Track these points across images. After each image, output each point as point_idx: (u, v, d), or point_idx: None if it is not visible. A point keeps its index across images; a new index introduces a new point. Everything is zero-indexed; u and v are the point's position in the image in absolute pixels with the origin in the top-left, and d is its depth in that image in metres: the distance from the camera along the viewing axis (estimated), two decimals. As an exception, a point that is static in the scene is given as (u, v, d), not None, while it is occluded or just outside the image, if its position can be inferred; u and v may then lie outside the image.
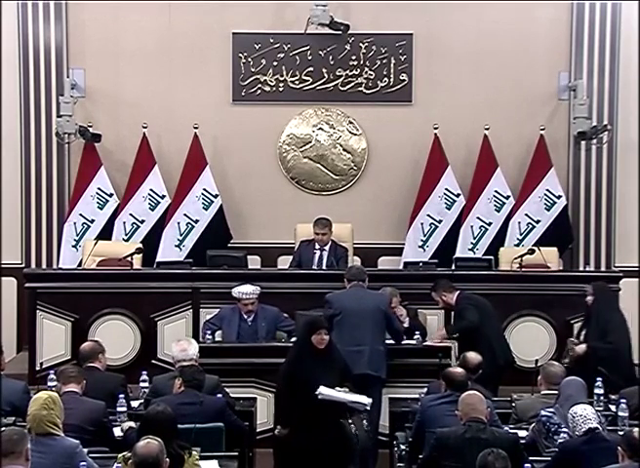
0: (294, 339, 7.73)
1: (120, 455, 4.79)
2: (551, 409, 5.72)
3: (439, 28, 10.01)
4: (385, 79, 10.06)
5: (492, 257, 9.09)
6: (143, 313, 8.41)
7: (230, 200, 9.94)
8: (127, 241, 9.59)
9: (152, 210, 9.74)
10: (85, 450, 5.04)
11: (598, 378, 6.65)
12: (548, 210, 9.78)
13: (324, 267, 8.91)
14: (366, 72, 10.04)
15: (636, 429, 4.77)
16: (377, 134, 10.11)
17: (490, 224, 9.77)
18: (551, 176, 9.79)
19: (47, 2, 9.85)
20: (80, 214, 9.72)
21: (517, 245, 9.62)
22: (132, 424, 5.75)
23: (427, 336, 7.79)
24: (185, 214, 9.69)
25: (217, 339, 7.83)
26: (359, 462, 6.44)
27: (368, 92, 10.07)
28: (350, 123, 10.11)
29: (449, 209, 9.80)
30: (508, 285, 8.47)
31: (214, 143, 9.99)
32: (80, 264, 9.29)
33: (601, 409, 6.27)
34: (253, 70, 10.01)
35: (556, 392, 5.94)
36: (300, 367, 6.23)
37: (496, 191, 9.78)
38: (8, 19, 9.72)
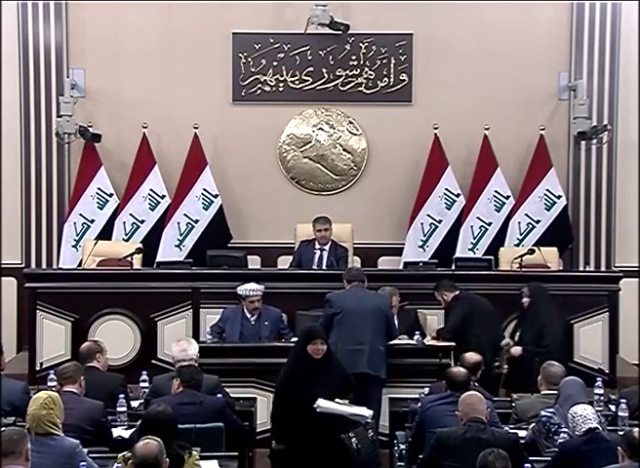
0: (295, 340, 7.75)
1: (120, 455, 4.78)
2: (551, 410, 5.72)
3: (439, 28, 10.01)
4: (385, 79, 10.06)
5: (492, 257, 9.09)
6: (143, 313, 8.41)
7: (230, 200, 9.94)
8: (127, 241, 9.59)
9: (152, 210, 9.74)
10: (85, 450, 5.05)
11: (598, 379, 6.66)
12: (548, 210, 9.78)
13: (324, 267, 8.91)
14: (366, 72, 10.04)
15: (636, 429, 4.77)
16: (377, 134, 10.11)
17: (490, 224, 9.77)
18: (551, 176, 9.80)
19: (47, 2, 9.85)
20: (80, 214, 9.72)
21: (517, 245, 9.62)
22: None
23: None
24: (185, 214, 9.69)
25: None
26: None
27: (368, 92, 10.07)
28: (350, 123, 10.11)
29: (449, 209, 9.80)
30: (508, 285, 8.46)
31: (214, 143, 9.99)
32: (80, 264, 9.29)
33: (601, 409, 6.27)
34: (253, 70, 10.01)
35: (556, 392, 5.93)
36: (296, 378, 5.99)
37: (496, 191, 9.78)
38: (8, 19, 9.73)
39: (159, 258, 9.35)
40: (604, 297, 8.54)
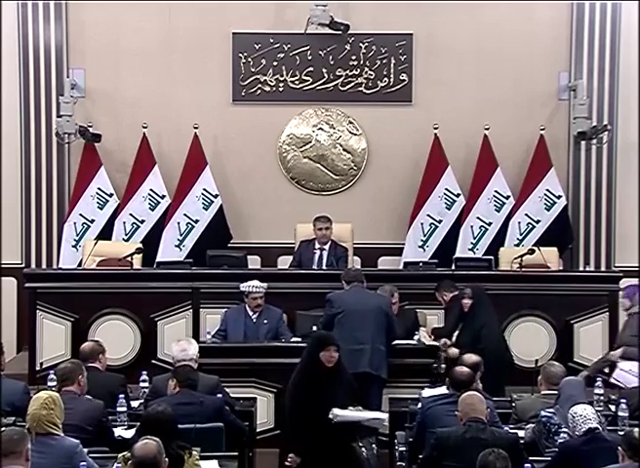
0: (295, 340, 7.75)
1: (120, 455, 4.78)
2: (551, 410, 5.71)
3: (439, 28, 10.01)
4: (385, 79, 10.06)
5: (492, 257, 9.09)
6: (143, 313, 8.41)
7: (230, 200, 9.94)
8: (127, 241, 9.59)
9: (152, 210, 9.74)
10: (85, 450, 5.05)
11: (598, 379, 6.66)
12: (548, 210, 9.78)
13: (324, 267, 8.92)
14: (366, 72, 10.04)
15: (636, 429, 4.77)
16: (377, 134, 10.11)
17: (490, 224, 9.77)
18: (551, 176, 9.79)
19: (47, 2, 9.85)
20: (80, 215, 9.72)
21: (517, 245, 9.62)
22: None
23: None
24: (185, 214, 9.69)
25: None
26: None
27: (368, 92, 10.07)
28: (350, 123, 10.11)
29: (449, 209, 9.80)
30: (508, 285, 8.47)
31: (214, 143, 9.99)
32: (80, 264, 9.29)
33: (601, 409, 6.27)
34: (253, 70, 10.01)
35: (556, 392, 5.93)
36: (307, 388, 5.78)
37: (496, 191, 9.78)
38: (8, 19, 9.73)
39: (159, 258, 9.35)
40: (604, 297, 8.54)
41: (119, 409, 6.01)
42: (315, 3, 9.44)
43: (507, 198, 9.80)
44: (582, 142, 9.86)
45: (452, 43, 9.99)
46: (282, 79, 10.03)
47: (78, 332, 8.26)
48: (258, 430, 7.00)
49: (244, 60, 10.00)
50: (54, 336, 8.31)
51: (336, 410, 5.65)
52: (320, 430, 5.64)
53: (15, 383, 6.15)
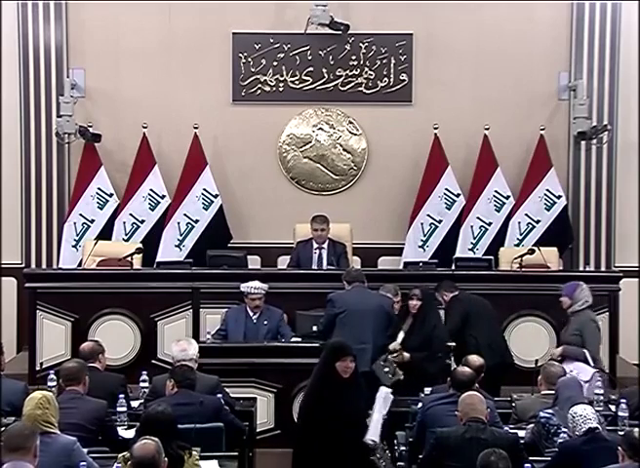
0: (295, 340, 7.75)
1: (120, 455, 4.78)
2: (550, 411, 5.71)
3: (439, 28, 10.01)
4: (385, 79, 10.06)
5: (492, 257, 9.09)
6: (143, 313, 8.40)
7: (230, 200, 9.95)
8: (127, 241, 9.59)
9: (152, 210, 9.75)
10: (85, 450, 5.05)
11: (598, 379, 6.66)
12: (548, 210, 9.78)
13: (324, 267, 8.92)
14: (366, 72, 10.04)
15: (636, 429, 4.77)
16: (377, 134, 10.11)
17: (490, 224, 9.77)
18: (551, 176, 9.80)
19: (47, 2, 9.85)
20: (80, 215, 9.73)
21: (517, 245, 9.62)
22: None
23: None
24: (185, 214, 9.70)
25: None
26: None
27: (368, 92, 10.07)
28: (350, 123, 10.12)
29: (449, 209, 9.81)
30: (508, 285, 8.47)
31: (214, 143, 10.00)
32: (80, 264, 9.29)
33: (601, 409, 6.27)
34: (253, 70, 10.01)
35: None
36: (324, 401, 5.66)
37: (496, 191, 9.78)
38: (8, 19, 9.73)
39: (159, 258, 9.35)
40: (604, 297, 8.53)
41: (119, 409, 6.01)
42: (315, 3, 9.44)
43: (507, 198, 9.80)
44: (582, 142, 9.86)
45: (452, 43, 9.99)
46: (282, 79, 10.04)
47: (78, 332, 8.26)
48: (258, 430, 7.00)
49: (244, 60, 10.01)
50: (54, 336, 8.31)
51: (369, 436, 5.59)
52: (336, 443, 5.51)
53: (15, 383, 6.15)
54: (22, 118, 9.91)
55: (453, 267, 8.81)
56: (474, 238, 9.76)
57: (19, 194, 9.90)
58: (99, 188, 9.77)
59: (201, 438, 5.38)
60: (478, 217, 9.77)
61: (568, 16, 10.03)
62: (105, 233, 9.63)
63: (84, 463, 4.78)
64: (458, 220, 9.77)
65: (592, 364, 7.03)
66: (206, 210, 9.73)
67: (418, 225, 9.78)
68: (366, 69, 10.04)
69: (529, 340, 8.36)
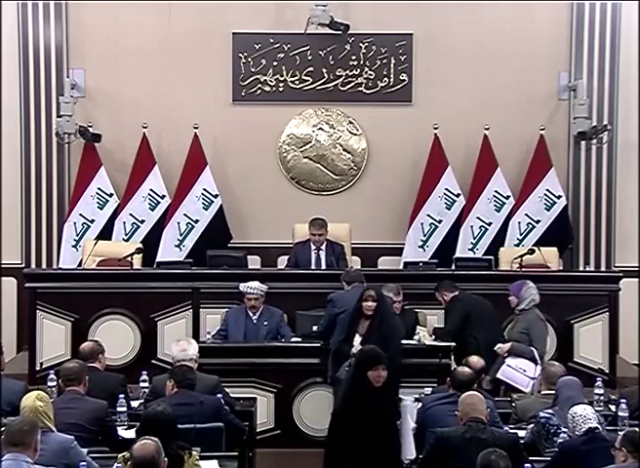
0: (295, 340, 7.74)
1: (120, 455, 4.78)
2: (550, 411, 5.71)
3: (439, 28, 10.02)
4: (385, 79, 10.06)
5: (492, 257, 9.09)
6: (143, 313, 8.40)
7: (230, 200, 9.95)
8: (127, 241, 9.59)
9: (152, 210, 9.75)
10: (85, 450, 5.06)
11: (598, 379, 6.66)
12: (548, 210, 9.78)
13: (323, 267, 8.92)
14: (366, 72, 10.04)
15: (637, 429, 4.76)
16: (377, 134, 10.11)
17: (490, 224, 9.77)
18: (551, 176, 9.80)
19: (47, 2, 9.85)
20: (80, 215, 9.73)
21: (517, 245, 9.62)
22: None
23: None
24: (185, 214, 9.70)
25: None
26: None
27: (368, 92, 10.07)
28: (350, 123, 10.12)
29: (449, 209, 9.81)
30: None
31: (214, 143, 10.00)
32: (80, 264, 9.29)
33: (601, 409, 6.27)
34: (253, 70, 10.01)
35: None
36: (356, 409, 5.52)
37: (496, 191, 9.78)
38: (8, 19, 9.73)
39: (159, 258, 9.35)
40: (604, 297, 8.54)
41: (119, 409, 6.01)
42: (315, 3, 9.44)
43: (507, 198, 9.80)
44: (582, 142, 9.86)
45: (452, 43, 9.99)
46: (282, 79, 10.04)
47: (78, 332, 8.26)
48: (258, 430, 7.00)
49: (244, 60, 10.01)
50: (54, 336, 8.31)
51: (407, 455, 5.53)
52: (368, 453, 5.43)
53: (15, 383, 6.14)
54: (22, 118, 9.91)
55: (453, 267, 8.81)
56: (474, 238, 9.76)
57: (19, 194, 9.90)
58: (99, 188, 9.77)
59: (201, 438, 5.38)
60: (478, 217, 9.77)
61: (568, 16, 10.03)
62: (105, 233, 9.63)
63: (84, 463, 4.78)
64: (458, 220, 9.77)
65: (539, 362, 7.01)
66: (206, 210, 9.73)
67: (418, 225, 9.78)
68: (366, 69, 10.04)
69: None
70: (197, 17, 9.93)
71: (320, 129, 10.13)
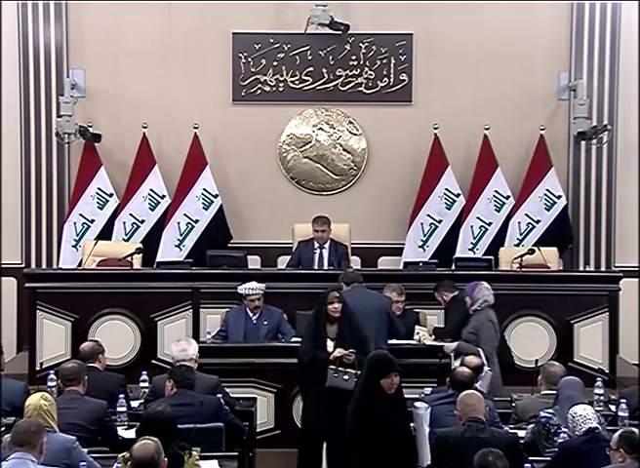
0: (295, 340, 7.73)
1: (120, 455, 4.78)
2: (550, 410, 5.71)
3: (439, 28, 10.01)
4: (385, 79, 10.06)
5: (492, 257, 9.09)
6: (143, 313, 8.40)
7: (230, 200, 9.95)
8: (127, 241, 9.59)
9: (152, 210, 9.75)
10: (85, 450, 5.06)
11: (598, 379, 6.66)
12: (548, 210, 9.78)
13: (325, 266, 8.92)
14: (366, 72, 10.04)
15: (635, 429, 4.76)
16: (377, 134, 10.11)
17: (490, 224, 9.77)
18: (551, 176, 9.80)
19: (47, 2, 9.85)
20: (80, 215, 9.73)
21: (517, 245, 9.62)
22: None
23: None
24: (185, 214, 9.70)
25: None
26: None
27: (368, 92, 10.07)
28: (350, 123, 10.12)
29: (449, 209, 9.81)
30: (508, 285, 8.45)
31: (214, 143, 9.99)
32: (80, 264, 9.29)
33: (601, 409, 6.27)
34: (253, 70, 10.01)
35: (556, 392, 5.93)
36: (370, 417, 5.43)
37: (496, 191, 9.78)
38: (8, 19, 9.73)
39: (159, 258, 9.35)
40: (604, 297, 8.54)
41: (119, 409, 6.02)
42: (315, 3, 9.44)
43: (507, 198, 9.80)
44: (582, 142, 9.86)
45: (452, 43, 9.99)
46: (282, 79, 10.04)
47: (78, 332, 8.26)
48: (258, 430, 7.01)
49: (244, 60, 10.01)
50: (54, 336, 8.31)
51: (424, 463, 5.47)
52: (384, 460, 5.39)
53: (15, 383, 6.16)
54: (22, 118, 9.91)
55: (453, 267, 8.80)
56: (474, 238, 9.76)
57: (19, 194, 9.90)
58: (99, 188, 9.77)
59: (201, 438, 5.38)
60: (478, 217, 9.77)
61: (568, 16, 10.03)
62: (105, 233, 9.63)
63: (84, 463, 4.78)
64: (458, 220, 9.77)
65: (485, 362, 7.03)
66: (206, 210, 9.73)
67: (418, 225, 9.78)
68: (366, 69, 10.04)
69: (529, 340, 8.36)
70: (197, 17, 9.93)
71: (320, 129, 10.13)
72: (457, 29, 9.98)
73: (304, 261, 9.00)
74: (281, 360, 7.38)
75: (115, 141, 9.95)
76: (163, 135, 9.95)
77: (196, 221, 9.69)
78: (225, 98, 10.04)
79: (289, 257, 9.27)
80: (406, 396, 6.72)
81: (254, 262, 9.45)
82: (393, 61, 10.04)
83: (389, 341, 7.33)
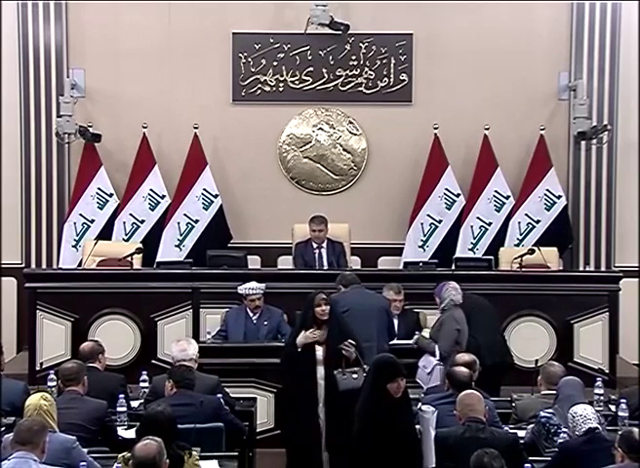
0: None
1: (120, 455, 4.78)
2: (550, 410, 5.71)
3: (439, 28, 10.01)
4: (385, 79, 10.06)
5: (492, 257, 9.09)
6: (143, 313, 8.40)
7: (230, 200, 9.95)
8: (127, 241, 9.59)
9: (152, 210, 9.75)
10: (85, 450, 5.06)
11: (598, 379, 6.66)
12: (548, 210, 9.78)
13: (324, 266, 8.93)
14: (366, 72, 10.04)
15: (635, 429, 4.76)
16: (377, 134, 10.11)
17: (490, 224, 9.77)
18: (551, 176, 9.80)
19: (47, 2, 9.85)
20: (80, 215, 9.73)
21: (517, 245, 9.63)
22: None
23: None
24: (185, 215, 9.70)
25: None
26: None
27: (368, 92, 10.07)
28: (350, 123, 10.12)
29: (449, 209, 9.81)
30: (508, 285, 8.47)
31: (214, 143, 10.00)
32: (80, 264, 9.29)
33: (601, 409, 6.27)
34: (253, 70, 10.01)
35: (555, 392, 5.93)
36: (377, 423, 5.39)
37: (496, 191, 9.78)
38: (8, 19, 9.73)
39: (159, 258, 9.35)
40: (604, 297, 8.54)
41: (119, 409, 6.02)
42: (315, 3, 9.44)
43: (507, 198, 9.80)
44: (582, 142, 9.86)
45: (452, 43, 9.99)
46: (282, 79, 10.04)
47: (78, 332, 8.26)
48: (258, 430, 7.00)
49: (244, 60, 10.01)
50: (54, 336, 8.31)
51: (430, 465, 5.46)
52: (391, 460, 5.38)
53: (15, 383, 6.15)
54: (22, 118, 9.91)
55: (453, 267, 8.80)
56: (474, 238, 9.76)
57: (19, 194, 9.90)
58: (99, 188, 9.77)
59: (201, 438, 5.38)
60: (478, 217, 9.77)
61: (568, 16, 10.03)
62: (105, 233, 9.63)
63: (84, 463, 4.78)
64: (458, 220, 9.77)
65: (438, 357, 7.04)
66: (206, 210, 9.73)
67: (418, 225, 9.78)
68: (366, 69, 10.04)
69: (529, 340, 8.36)
70: (197, 17, 9.93)
71: (320, 129, 10.13)
72: (457, 29, 9.98)
73: (308, 262, 9.02)
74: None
75: (115, 141, 9.95)
76: (163, 135, 9.95)
77: (196, 221, 9.70)
78: (225, 98, 10.04)
79: (289, 257, 9.29)
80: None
81: (254, 262, 9.44)
82: (393, 61, 10.04)
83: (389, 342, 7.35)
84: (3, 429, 5.33)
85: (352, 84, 10.06)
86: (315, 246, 9.06)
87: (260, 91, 10.04)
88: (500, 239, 9.71)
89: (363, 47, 10.02)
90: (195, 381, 5.90)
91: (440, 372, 6.96)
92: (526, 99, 10.02)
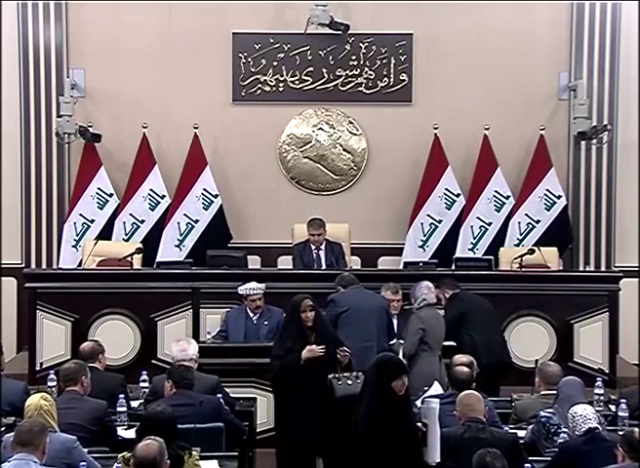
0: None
1: (120, 455, 4.78)
2: (550, 410, 5.71)
3: (439, 28, 10.02)
4: (385, 79, 10.06)
5: (492, 257, 9.09)
6: (143, 313, 8.41)
7: (230, 200, 9.95)
8: (127, 241, 9.60)
9: (152, 210, 9.75)
10: (85, 450, 5.06)
11: (598, 379, 6.66)
12: (548, 210, 9.78)
13: (323, 267, 8.93)
14: (366, 72, 10.05)
15: (636, 429, 4.76)
16: (377, 134, 10.11)
17: (490, 224, 9.77)
18: (551, 176, 9.80)
19: (47, 2, 9.85)
20: (80, 215, 9.73)
21: (517, 245, 9.63)
22: None
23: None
24: (185, 215, 9.70)
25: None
26: None
27: (368, 92, 10.07)
28: (350, 123, 10.12)
29: (449, 209, 9.81)
30: (508, 285, 8.47)
31: (214, 143, 10.00)
32: (80, 264, 9.29)
33: (601, 409, 6.27)
34: (253, 70, 10.02)
35: (555, 392, 5.93)
36: (382, 421, 5.34)
37: (496, 191, 9.79)
38: (8, 19, 9.73)
39: (159, 258, 9.35)
40: (604, 297, 8.55)
41: (119, 409, 6.01)
42: (315, 3, 9.45)
43: (507, 198, 9.80)
44: (582, 142, 9.86)
45: (452, 43, 10.00)
46: (282, 79, 10.04)
47: (78, 332, 8.27)
48: (258, 430, 7.00)
49: (244, 60, 10.01)
50: (54, 336, 8.31)
51: (434, 458, 5.36)
52: (395, 463, 5.36)
53: (15, 383, 6.15)
54: (22, 118, 9.91)
55: (453, 267, 8.80)
56: (474, 238, 9.76)
57: (19, 194, 9.90)
58: (99, 188, 9.77)
59: (201, 438, 5.38)
60: (478, 217, 9.77)
61: (568, 16, 10.03)
62: (105, 233, 9.63)
63: (84, 463, 4.78)
64: (458, 220, 9.77)
65: (400, 355, 7.06)
66: (206, 210, 9.74)
67: (418, 225, 9.78)
68: (366, 69, 10.04)
69: (529, 340, 8.37)
70: (197, 17, 9.93)
71: (320, 129, 10.13)
72: (457, 29, 9.98)
73: (308, 263, 9.01)
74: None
75: (115, 141, 9.96)
76: (163, 135, 9.95)
77: (196, 221, 9.70)
78: (225, 98, 10.05)
79: (289, 257, 9.28)
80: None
81: (254, 262, 9.45)
82: (393, 61, 10.04)
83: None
84: (3, 429, 5.33)
85: (352, 84, 10.06)
86: (314, 247, 9.06)
87: (259, 91, 10.04)
88: (499, 239, 9.71)
89: (363, 47, 10.02)
90: (194, 381, 5.89)
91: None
92: (526, 99, 10.02)
